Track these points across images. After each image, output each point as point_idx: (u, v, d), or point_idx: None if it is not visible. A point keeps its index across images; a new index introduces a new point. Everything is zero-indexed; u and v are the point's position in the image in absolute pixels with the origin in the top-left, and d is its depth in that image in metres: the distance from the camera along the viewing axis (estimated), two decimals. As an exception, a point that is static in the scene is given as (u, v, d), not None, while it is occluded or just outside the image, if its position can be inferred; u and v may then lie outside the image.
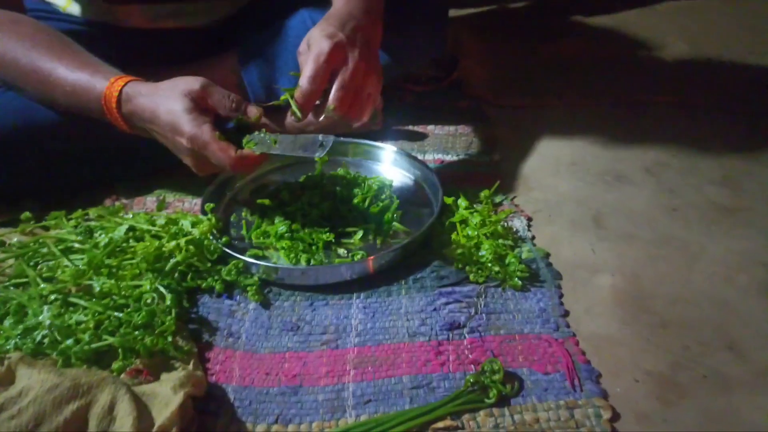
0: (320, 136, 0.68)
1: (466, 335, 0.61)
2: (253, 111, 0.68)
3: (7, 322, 0.59)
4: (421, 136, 1.01)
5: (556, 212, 0.82)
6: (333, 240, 0.73)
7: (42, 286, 0.63)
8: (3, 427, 0.46)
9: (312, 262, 0.70)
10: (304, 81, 0.65)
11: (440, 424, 0.52)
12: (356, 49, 0.66)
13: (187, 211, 0.80)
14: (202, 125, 0.65)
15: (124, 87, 0.68)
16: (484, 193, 0.81)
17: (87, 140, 0.80)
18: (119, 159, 0.86)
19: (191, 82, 0.67)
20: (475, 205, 0.78)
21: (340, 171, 0.86)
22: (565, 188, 0.87)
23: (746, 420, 0.54)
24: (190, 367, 0.57)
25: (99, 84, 0.69)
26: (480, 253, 0.68)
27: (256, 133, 0.69)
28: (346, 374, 0.58)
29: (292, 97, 0.66)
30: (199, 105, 0.66)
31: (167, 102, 0.66)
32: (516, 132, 1.04)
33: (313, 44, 0.65)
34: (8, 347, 0.56)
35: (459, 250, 0.70)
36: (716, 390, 0.57)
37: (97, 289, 0.62)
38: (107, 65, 0.72)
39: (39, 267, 0.68)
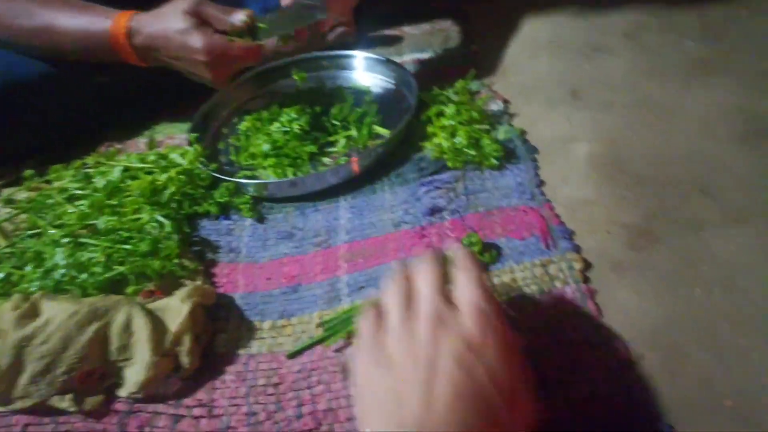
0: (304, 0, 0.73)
1: (447, 217, 0.65)
2: (240, 15, 0.72)
3: (28, 269, 0.65)
4: (397, 39, 1.01)
5: (533, 93, 0.82)
6: (317, 151, 0.76)
7: (52, 232, 0.68)
8: (36, 351, 0.53)
9: (299, 174, 0.73)
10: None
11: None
12: None
13: (177, 146, 0.83)
14: (213, 35, 0.71)
15: (130, 22, 0.72)
16: (459, 83, 0.81)
17: (72, 92, 0.83)
18: (107, 107, 0.89)
19: (187, 1, 0.71)
20: (451, 96, 0.79)
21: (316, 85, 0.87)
22: (543, 68, 0.87)
23: (718, 255, 0.56)
24: (198, 282, 0.63)
25: (103, 25, 0.73)
26: (455, 140, 0.70)
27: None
28: (339, 268, 0.62)
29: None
30: (200, 19, 0.71)
31: (174, 24, 0.71)
32: (493, 21, 1.01)
33: None
34: (33, 289, 0.62)
35: (436, 140, 0.72)
36: (689, 232, 0.59)
37: (102, 227, 0.67)
38: (100, 5, 0.75)
39: (48, 217, 0.73)
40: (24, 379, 0.52)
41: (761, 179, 0.63)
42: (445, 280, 0.41)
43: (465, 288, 0.39)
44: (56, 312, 0.55)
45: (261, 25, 0.74)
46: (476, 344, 0.36)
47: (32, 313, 0.56)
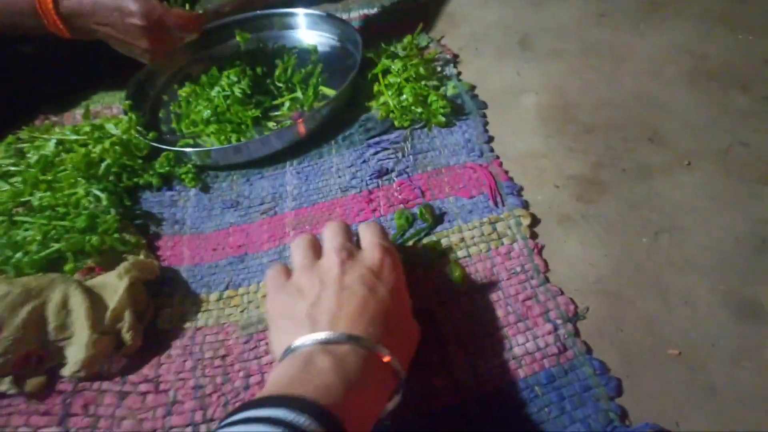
0: None
1: (395, 179, 0.63)
2: None
3: (-40, 251, 0.62)
4: (344, -6, 0.97)
5: (483, 44, 0.80)
6: (261, 115, 0.73)
7: (-16, 212, 0.65)
8: (-32, 336, 0.50)
9: (242, 139, 0.71)
10: None
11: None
12: None
13: (114, 117, 0.79)
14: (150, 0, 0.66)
15: None
16: (407, 39, 0.78)
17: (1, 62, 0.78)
18: (37, 78, 0.84)
19: None
20: (399, 52, 0.77)
21: (258, 46, 0.83)
22: (493, 17, 0.85)
23: (665, 201, 0.56)
24: (141, 257, 0.60)
25: None
26: (402, 98, 0.68)
27: None
28: (287, 236, 0.61)
29: None
30: None
31: None
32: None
33: None
34: (-35, 272, 0.60)
35: (382, 99, 0.70)
36: (636, 180, 0.59)
37: (37, 203, 0.64)
38: None
39: (-20, 196, 0.69)
40: (-43, 365, 0.50)
41: (707, 122, 0.63)
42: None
43: (366, 232, 0.48)
44: (-13, 295, 0.52)
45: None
46: (377, 270, 0.43)
47: (-38, 297, 0.53)
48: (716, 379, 0.44)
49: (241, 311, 0.56)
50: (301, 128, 0.69)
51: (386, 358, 0.38)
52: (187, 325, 0.55)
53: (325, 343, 0.37)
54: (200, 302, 0.57)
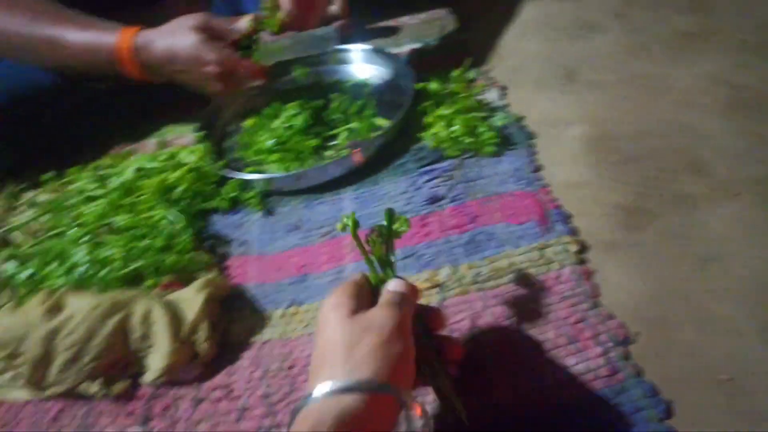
0: (318, 31, 0.79)
1: (447, 205, 0.67)
2: (244, 23, 0.75)
3: (52, 266, 0.69)
4: (394, 30, 1.02)
5: (529, 75, 0.84)
6: (320, 145, 0.79)
7: (73, 231, 0.72)
8: (62, 343, 0.56)
9: (303, 167, 0.76)
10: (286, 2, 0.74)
11: (425, 284, 0.59)
12: None
13: (186, 146, 0.86)
14: (223, 49, 0.73)
15: (135, 38, 0.74)
16: (456, 73, 0.83)
17: (78, 99, 0.87)
18: (114, 112, 0.92)
19: (195, 18, 0.74)
20: (448, 86, 0.81)
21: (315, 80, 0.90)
22: (535, 48, 0.89)
23: (707, 231, 0.58)
24: (211, 275, 0.66)
25: (108, 39, 0.75)
26: (452, 129, 0.72)
27: (261, 43, 0.77)
28: (344, 257, 0.65)
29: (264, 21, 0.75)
30: (210, 35, 0.73)
31: (182, 40, 0.73)
32: (484, 5, 1.03)
33: None
34: (57, 285, 0.66)
35: (433, 130, 0.74)
36: (681, 209, 0.61)
37: (119, 225, 0.71)
38: (106, 20, 0.77)
39: (68, 217, 0.77)
40: (54, 368, 0.56)
41: (746, 152, 0.65)
42: None
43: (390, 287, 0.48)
44: (79, 306, 0.58)
45: (274, 47, 0.77)
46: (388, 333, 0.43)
47: (57, 307, 0.59)
48: (762, 405, 0.45)
49: (304, 326, 0.60)
50: (357, 158, 0.74)
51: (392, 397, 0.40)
52: (255, 338, 0.60)
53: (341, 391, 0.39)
54: (266, 318, 0.62)
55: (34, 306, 0.60)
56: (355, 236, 0.49)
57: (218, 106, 0.88)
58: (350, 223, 0.49)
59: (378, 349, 0.41)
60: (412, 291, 0.48)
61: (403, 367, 0.42)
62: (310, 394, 0.40)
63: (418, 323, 0.47)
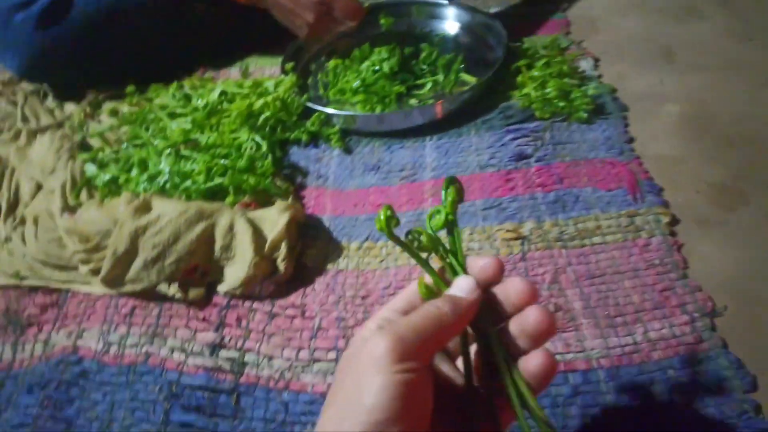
0: None
1: (534, 164, 0.66)
2: None
3: (133, 173, 0.70)
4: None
5: (624, 51, 0.82)
6: (404, 92, 0.78)
7: (156, 143, 0.73)
8: (149, 241, 0.57)
9: (386, 111, 0.76)
10: None
11: (508, 234, 0.59)
12: None
13: (268, 77, 0.87)
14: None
15: None
16: (550, 38, 0.81)
17: (171, 18, 0.88)
18: (203, 35, 0.93)
19: None
20: (540, 50, 0.80)
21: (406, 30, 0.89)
22: (634, 27, 0.86)
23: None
24: (289, 201, 0.66)
25: None
26: (545, 91, 0.71)
27: None
28: (425, 201, 0.65)
29: None
30: None
31: None
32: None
33: None
34: (138, 191, 0.67)
35: (525, 90, 0.73)
36: (776, 195, 0.59)
37: (203, 142, 0.71)
38: None
39: (149, 130, 0.78)
40: (137, 264, 0.58)
41: None
42: None
43: None
44: (167, 209, 0.59)
45: None
46: None
47: (145, 207, 0.60)
48: None
49: (380, 261, 0.60)
50: (441, 108, 0.73)
51: None
52: (330, 266, 0.60)
53: None
54: (341, 249, 0.62)
55: (121, 204, 0.62)
56: (391, 235, 0.35)
57: (304, 43, 0.88)
58: (383, 218, 0.35)
59: (345, 404, 0.29)
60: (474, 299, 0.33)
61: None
62: None
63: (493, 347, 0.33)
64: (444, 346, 0.36)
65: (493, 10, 0.95)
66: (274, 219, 0.60)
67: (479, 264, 0.35)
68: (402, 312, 0.34)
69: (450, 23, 0.90)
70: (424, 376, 0.30)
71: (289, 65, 0.80)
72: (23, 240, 0.66)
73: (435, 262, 0.36)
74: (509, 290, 0.34)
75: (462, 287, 0.33)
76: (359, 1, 0.76)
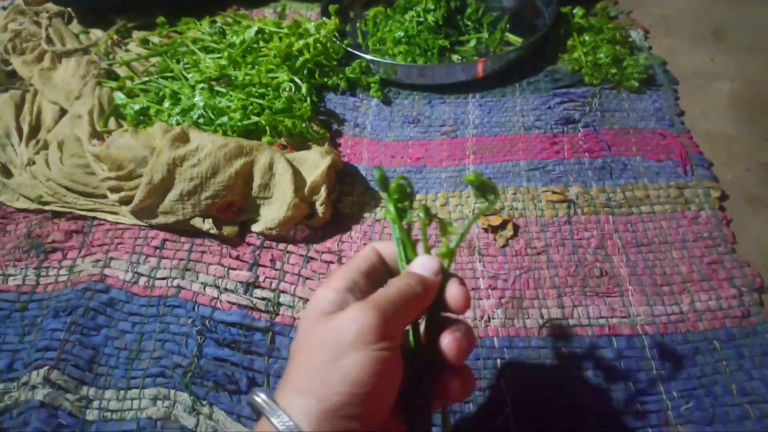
0: None
1: (581, 129, 0.64)
2: None
3: (165, 104, 0.68)
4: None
5: (674, 26, 0.79)
6: (447, 46, 0.76)
7: (189, 76, 0.70)
8: (187, 172, 0.55)
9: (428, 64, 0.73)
10: None
11: (554, 196, 0.57)
12: None
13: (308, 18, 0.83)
14: None
15: None
16: (600, 5, 0.79)
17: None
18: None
19: None
20: (589, 18, 0.78)
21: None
22: (684, 4, 0.84)
23: None
24: (326, 146, 0.64)
25: None
26: (597, 56, 0.69)
27: None
28: (466, 158, 0.63)
29: None
30: None
31: None
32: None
33: None
34: (171, 122, 0.65)
35: (575, 54, 0.71)
36: (828, 181, 0.58)
37: (239, 79, 0.69)
38: None
39: (180, 63, 0.75)
40: (172, 195, 0.56)
41: None
42: None
43: None
44: (206, 141, 0.57)
45: None
46: None
47: (182, 138, 0.58)
48: None
49: (417, 214, 0.59)
50: (485, 66, 0.71)
51: None
52: (366, 215, 0.59)
53: None
54: (378, 198, 0.60)
55: (158, 132, 0.59)
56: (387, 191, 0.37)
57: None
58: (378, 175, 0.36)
59: (321, 371, 0.29)
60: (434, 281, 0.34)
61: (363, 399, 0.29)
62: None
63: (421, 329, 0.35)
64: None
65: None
66: (315, 162, 0.58)
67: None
68: (365, 274, 0.34)
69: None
70: (397, 353, 0.31)
71: (333, 7, 0.77)
72: (47, 164, 0.64)
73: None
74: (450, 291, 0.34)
75: (428, 268, 0.34)
76: None
